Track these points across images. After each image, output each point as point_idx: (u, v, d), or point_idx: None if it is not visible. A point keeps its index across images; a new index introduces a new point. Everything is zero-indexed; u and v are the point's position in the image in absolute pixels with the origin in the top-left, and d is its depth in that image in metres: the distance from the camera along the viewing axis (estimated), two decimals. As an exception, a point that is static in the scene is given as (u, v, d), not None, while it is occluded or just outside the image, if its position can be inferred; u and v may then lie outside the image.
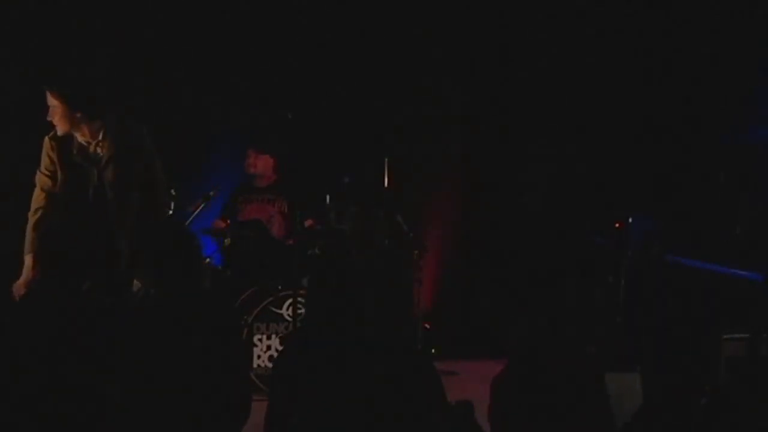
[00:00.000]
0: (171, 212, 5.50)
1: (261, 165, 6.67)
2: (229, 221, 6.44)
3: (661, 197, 6.41)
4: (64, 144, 4.77)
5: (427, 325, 6.96)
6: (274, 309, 5.90)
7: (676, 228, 6.08)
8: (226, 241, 6.31)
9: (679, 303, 5.65)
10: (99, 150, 4.79)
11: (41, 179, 4.80)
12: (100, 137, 4.79)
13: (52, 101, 4.69)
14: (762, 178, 5.84)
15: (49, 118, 4.71)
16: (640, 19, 6.65)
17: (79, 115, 4.71)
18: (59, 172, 4.77)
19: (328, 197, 6.34)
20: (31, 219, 4.76)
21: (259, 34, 7.09)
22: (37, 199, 4.78)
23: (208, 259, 6.08)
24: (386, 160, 6.59)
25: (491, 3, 7.50)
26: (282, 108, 5.99)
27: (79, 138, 4.77)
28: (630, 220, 6.04)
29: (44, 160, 4.80)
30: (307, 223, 6.14)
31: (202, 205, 6.16)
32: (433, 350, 6.85)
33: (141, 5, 6.73)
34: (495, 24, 7.49)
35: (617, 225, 6.11)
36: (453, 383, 6.15)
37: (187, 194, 6.07)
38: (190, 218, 6.07)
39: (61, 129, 4.73)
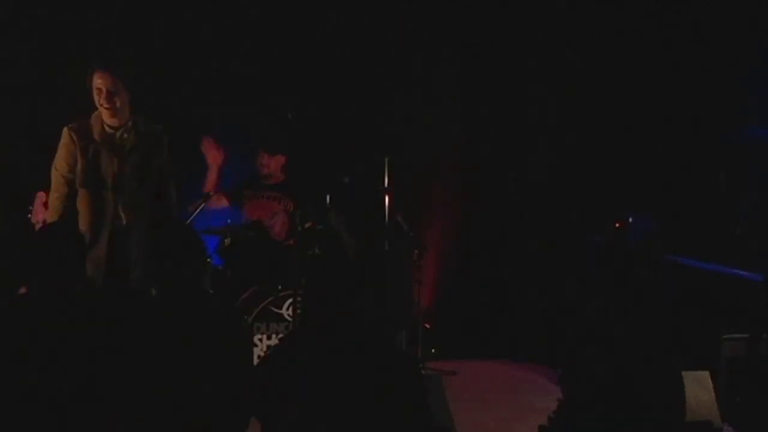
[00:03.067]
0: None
1: (274, 165, 6.65)
2: (229, 200, 6.44)
3: (661, 197, 6.40)
4: (84, 132, 4.70)
5: (427, 325, 6.95)
6: (274, 309, 5.90)
7: (676, 228, 6.07)
8: (226, 241, 6.30)
9: (679, 303, 5.65)
10: (125, 136, 4.75)
11: (58, 182, 4.66)
12: (130, 124, 4.77)
13: (111, 85, 4.61)
14: (762, 178, 5.83)
15: (105, 105, 4.63)
16: (640, 18, 6.65)
17: (129, 98, 4.69)
18: (80, 161, 4.67)
19: (328, 197, 6.33)
20: None
21: (258, 33, 7.09)
22: (55, 205, 4.65)
23: (208, 259, 6.07)
24: (386, 160, 6.59)
25: (492, 1, 7.49)
26: (282, 108, 5.98)
27: (111, 123, 4.70)
28: (630, 220, 6.04)
29: (62, 154, 4.69)
30: (308, 223, 6.13)
31: (202, 205, 6.16)
32: (433, 350, 6.85)
33: (147, 4, 6.72)
34: (495, 22, 7.48)
35: (617, 225, 6.11)
36: (453, 383, 6.17)
37: (187, 194, 6.06)
38: (190, 218, 6.06)
39: (116, 116, 4.66)
